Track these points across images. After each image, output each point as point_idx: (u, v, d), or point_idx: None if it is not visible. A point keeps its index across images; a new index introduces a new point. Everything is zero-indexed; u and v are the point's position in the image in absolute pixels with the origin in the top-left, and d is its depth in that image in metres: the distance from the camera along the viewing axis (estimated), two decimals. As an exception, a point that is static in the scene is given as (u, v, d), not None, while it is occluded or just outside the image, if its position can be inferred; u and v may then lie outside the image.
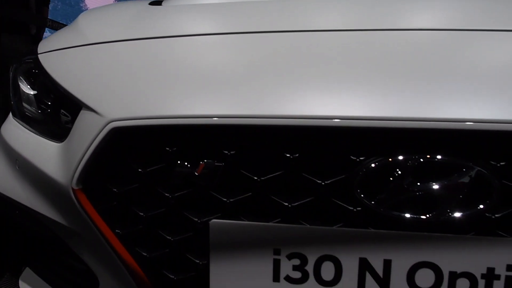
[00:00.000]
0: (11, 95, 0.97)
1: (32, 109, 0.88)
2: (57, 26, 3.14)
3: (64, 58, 0.82)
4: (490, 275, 0.55)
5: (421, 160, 0.55)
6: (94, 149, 0.64)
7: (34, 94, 0.89)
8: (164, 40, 0.78)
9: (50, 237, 0.80)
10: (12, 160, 0.85)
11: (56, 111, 0.80)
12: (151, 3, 1.06)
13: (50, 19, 2.95)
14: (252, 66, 0.67)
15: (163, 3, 1.05)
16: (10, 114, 0.97)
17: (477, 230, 0.56)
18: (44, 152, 0.75)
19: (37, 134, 0.82)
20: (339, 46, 0.69)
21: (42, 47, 0.91)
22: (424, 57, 0.63)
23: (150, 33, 0.80)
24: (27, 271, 0.96)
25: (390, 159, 0.56)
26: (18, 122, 0.90)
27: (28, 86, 0.91)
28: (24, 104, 0.90)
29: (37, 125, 0.85)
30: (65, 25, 3.26)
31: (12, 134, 0.88)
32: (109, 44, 0.79)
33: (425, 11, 0.77)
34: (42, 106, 0.86)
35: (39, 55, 0.87)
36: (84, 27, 0.92)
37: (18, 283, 0.97)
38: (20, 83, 0.93)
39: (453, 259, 0.55)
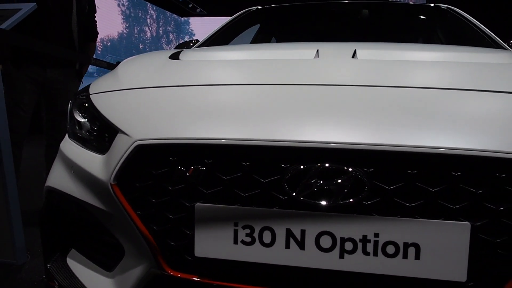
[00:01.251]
0: (68, 121, 1.36)
1: (83, 132, 1.26)
2: (98, 63, 3.55)
3: (108, 98, 1.20)
4: (364, 239, 0.88)
5: (323, 167, 0.89)
6: (125, 158, 1.01)
7: (84, 122, 1.27)
8: (176, 88, 1.16)
9: (92, 220, 1.15)
10: (69, 167, 1.23)
11: (101, 133, 1.17)
12: (170, 57, 1.45)
13: (93, 58, 3.34)
14: (232, 109, 1.04)
15: (180, 57, 1.45)
16: (67, 135, 1.36)
17: (358, 211, 0.89)
18: (92, 161, 1.13)
19: (87, 149, 1.19)
20: (294, 96, 1.05)
21: (92, 89, 1.30)
22: (335, 104, 0.98)
23: (168, 82, 1.19)
24: (73, 251, 1.32)
25: (305, 166, 0.90)
26: (72, 141, 1.28)
27: (80, 115, 1.30)
28: (77, 128, 1.29)
29: (85, 143, 1.22)
30: (102, 61, 3.70)
31: (69, 149, 1.26)
32: (138, 89, 1.17)
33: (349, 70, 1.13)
34: (90, 130, 1.24)
35: (90, 95, 1.26)
36: (121, 76, 1.31)
37: (66, 260, 1.33)
38: (74, 113, 1.32)
39: (342, 229, 0.89)
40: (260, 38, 3.05)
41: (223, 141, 0.94)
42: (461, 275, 0.85)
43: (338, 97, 1.01)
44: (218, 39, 2.60)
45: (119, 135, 1.06)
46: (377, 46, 1.54)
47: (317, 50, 1.33)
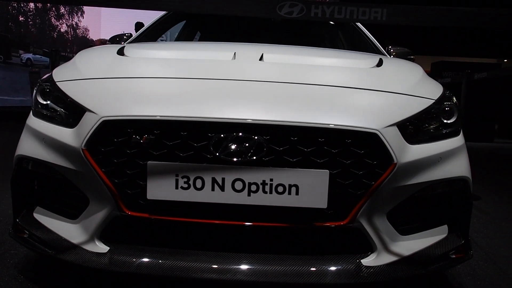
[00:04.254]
0: (33, 103, 1.67)
1: (44, 111, 1.59)
2: (35, 51, 3.56)
3: (75, 85, 1.55)
4: (263, 183, 1.33)
5: (237, 135, 1.33)
6: (94, 130, 1.37)
7: (49, 103, 1.60)
8: (130, 79, 1.53)
9: (61, 179, 1.49)
10: (39, 139, 1.55)
11: (68, 112, 1.51)
12: (118, 52, 1.81)
13: None
14: (173, 95, 1.44)
15: (125, 53, 1.81)
16: (31, 112, 1.66)
17: (259, 164, 1.33)
18: (63, 133, 1.46)
19: (55, 125, 1.52)
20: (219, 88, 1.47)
21: (57, 77, 1.62)
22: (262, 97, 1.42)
23: (122, 75, 1.56)
24: (38, 208, 1.64)
25: (224, 135, 1.33)
26: (38, 119, 1.60)
27: (42, 98, 1.62)
28: (42, 109, 1.61)
29: (52, 120, 1.55)
30: None
31: (37, 125, 1.58)
32: (99, 79, 1.54)
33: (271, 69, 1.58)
34: (55, 110, 1.57)
35: (57, 82, 1.58)
36: (81, 67, 1.66)
37: (33, 215, 1.64)
38: (38, 97, 1.63)
39: (249, 176, 1.33)
40: (186, 33, 3.44)
41: (167, 118, 1.34)
42: (323, 204, 1.34)
43: (247, 88, 1.46)
44: (150, 34, 2.95)
45: (87, 113, 1.42)
46: (281, 50, 2.02)
47: (235, 53, 1.76)
